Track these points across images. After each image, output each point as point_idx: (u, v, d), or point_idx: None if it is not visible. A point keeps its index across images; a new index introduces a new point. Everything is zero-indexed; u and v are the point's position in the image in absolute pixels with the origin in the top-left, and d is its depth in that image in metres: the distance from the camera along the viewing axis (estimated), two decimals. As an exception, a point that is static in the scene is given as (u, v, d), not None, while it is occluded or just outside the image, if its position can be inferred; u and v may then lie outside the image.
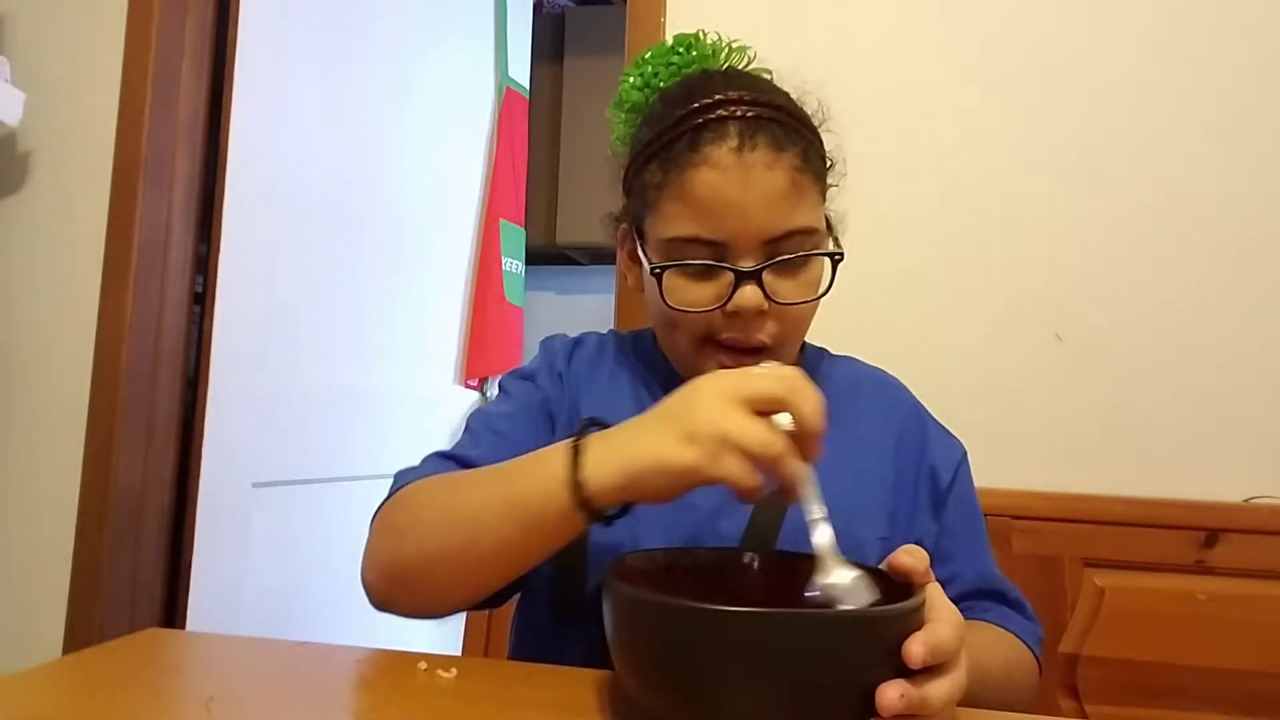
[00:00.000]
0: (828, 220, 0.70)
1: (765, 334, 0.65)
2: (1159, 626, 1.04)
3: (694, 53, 0.76)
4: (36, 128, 1.54)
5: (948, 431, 0.78)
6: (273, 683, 0.54)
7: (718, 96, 0.65)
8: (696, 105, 0.65)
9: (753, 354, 0.66)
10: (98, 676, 0.53)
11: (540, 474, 0.53)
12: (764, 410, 0.49)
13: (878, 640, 0.42)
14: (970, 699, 0.48)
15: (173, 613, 1.53)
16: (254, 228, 1.59)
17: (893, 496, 0.71)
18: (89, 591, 1.43)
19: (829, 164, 0.70)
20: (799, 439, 0.49)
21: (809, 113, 0.69)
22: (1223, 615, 1.03)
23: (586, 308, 2.84)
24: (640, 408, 0.72)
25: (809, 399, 0.48)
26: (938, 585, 0.49)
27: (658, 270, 0.65)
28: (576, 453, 0.52)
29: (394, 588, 0.62)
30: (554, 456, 0.53)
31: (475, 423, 0.73)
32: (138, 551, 1.48)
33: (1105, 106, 1.21)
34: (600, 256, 2.75)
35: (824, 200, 0.69)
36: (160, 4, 1.51)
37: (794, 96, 0.70)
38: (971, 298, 1.22)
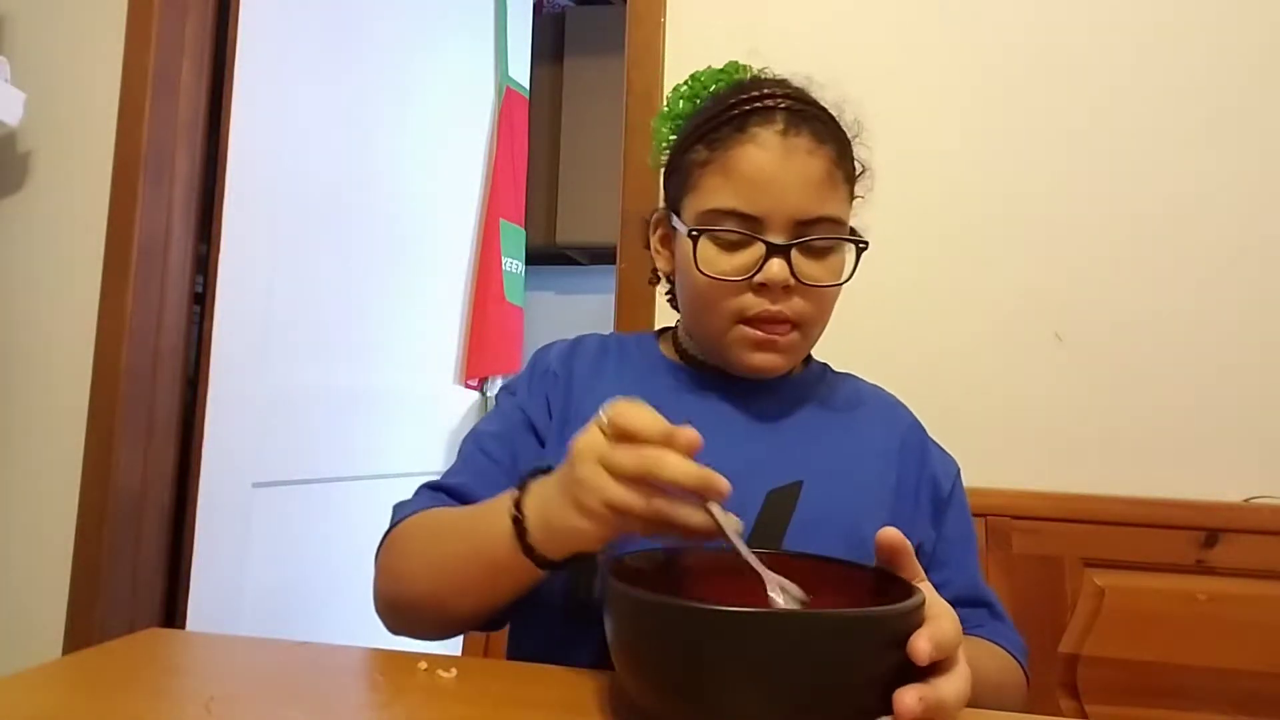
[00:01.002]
0: (852, 228, 0.73)
1: (792, 310, 0.68)
2: (1159, 626, 1.04)
3: (739, 75, 0.79)
4: (36, 128, 1.54)
5: (942, 447, 0.80)
6: (273, 683, 0.54)
7: (766, 90, 0.70)
8: (745, 95, 0.70)
9: (779, 328, 0.69)
10: (98, 676, 0.53)
11: (498, 534, 0.57)
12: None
13: (879, 639, 0.42)
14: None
15: (173, 613, 1.53)
16: (254, 228, 1.59)
17: (894, 499, 0.72)
18: (89, 591, 1.43)
19: (859, 172, 0.74)
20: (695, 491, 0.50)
21: (845, 124, 0.73)
22: (1223, 615, 1.03)
23: (586, 308, 2.84)
24: (646, 399, 0.72)
25: (667, 465, 0.49)
26: (930, 586, 0.49)
27: (694, 233, 0.68)
28: (519, 521, 0.55)
29: (397, 621, 0.67)
30: (505, 519, 0.56)
31: (467, 445, 0.76)
32: (138, 551, 1.48)
33: (1106, 107, 1.21)
34: (600, 256, 2.75)
35: (851, 205, 0.73)
36: (160, 4, 1.51)
37: (833, 107, 0.74)
38: (971, 298, 1.22)
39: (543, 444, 0.74)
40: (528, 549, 0.55)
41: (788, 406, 0.75)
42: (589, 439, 0.53)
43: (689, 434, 0.51)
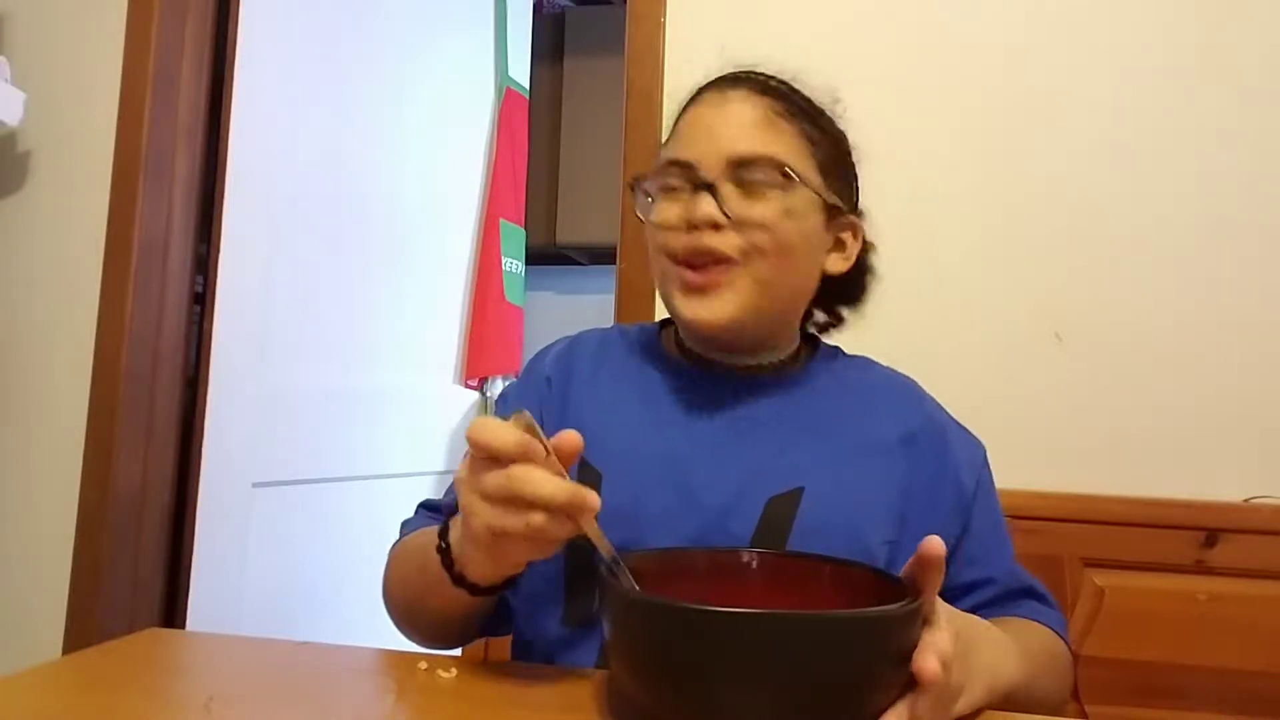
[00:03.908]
0: (839, 192, 0.72)
1: (726, 245, 0.65)
2: (1159, 626, 1.04)
3: None
4: (36, 128, 1.54)
5: (966, 431, 0.76)
6: (273, 683, 0.54)
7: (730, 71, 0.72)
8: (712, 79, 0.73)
9: (711, 270, 0.66)
10: (98, 676, 0.53)
11: (433, 559, 0.57)
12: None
13: (877, 640, 0.42)
14: (1022, 695, 0.52)
15: (173, 613, 1.53)
16: (254, 228, 1.59)
17: (903, 499, 0.69)
18: (89, 591, 1.43)
19: (832, 136, 0.72)
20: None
21: (807, 92, 0.74)
22: (1223, 615, 1.03)
23: (586, 308, 2.84)
24: (645, 400, 0.72)
25: (531, 483, 0.47)
26: (940, 603, 0.48)
27: (630, 184, 0.72)
28: (448, 555, 0.56)
29: (401, 631, 0.71)
30: (435, 554, 0.57)
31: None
32: (138, 551, 1.48)
33: (1106, 106, 1.21)
34: (600, 256, 2.75)
35: (816, 162, 0.70)
36: (160, 4, 1.51)
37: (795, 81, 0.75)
38: (971, 298, 1.22)
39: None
40: (457, 578, 0.55)
41: (791, 403, 0.72)
42: (462, 465, 0.51)
43: (565, 440, 0.49)
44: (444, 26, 2.02)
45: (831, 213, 0.71)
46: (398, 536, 0.74)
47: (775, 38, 1.29)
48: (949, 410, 0.78)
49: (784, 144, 0.68)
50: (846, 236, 0.74)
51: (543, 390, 0.75)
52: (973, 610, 0.61)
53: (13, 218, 1.55)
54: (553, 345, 0.80)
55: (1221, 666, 1.02)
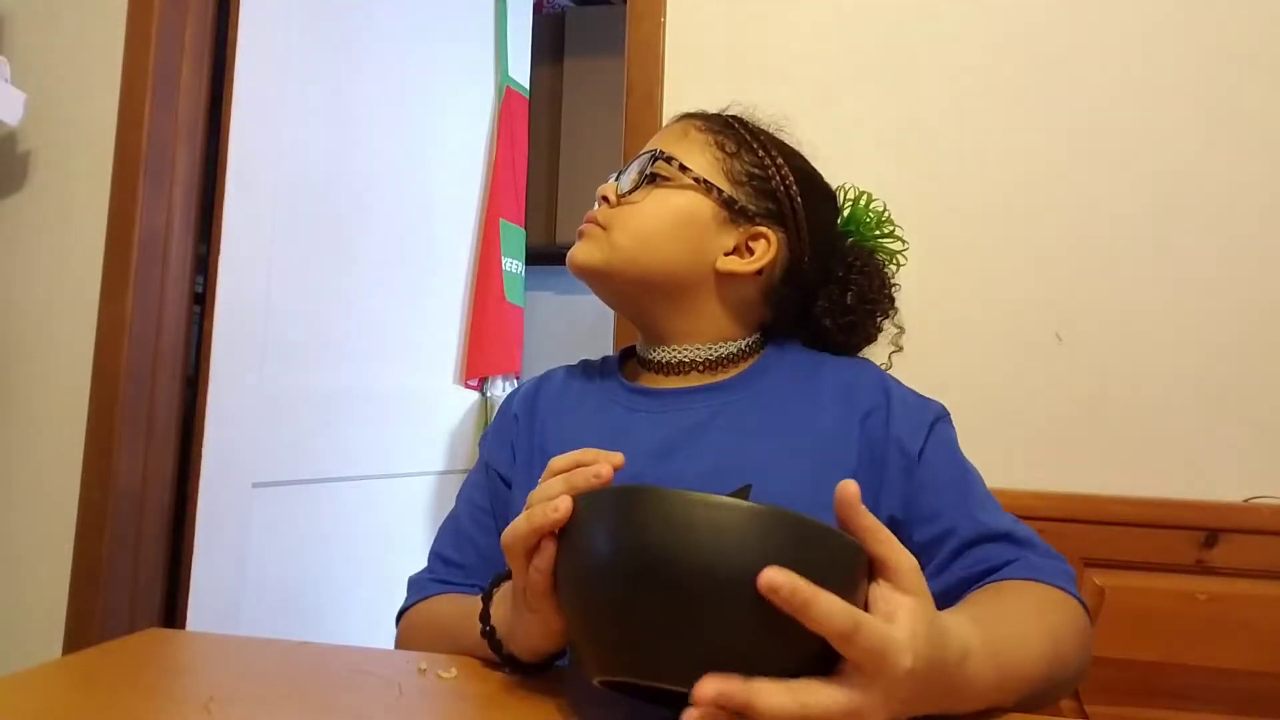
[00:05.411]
0: (753, 203, 0.76)
1: (602, 214, 0.77)
2: (1159, 626, 1.04)
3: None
4: (36, 128, 1.54)
5: (919, 397, 0.75)
6: (273, 683, 0.54)
7: None
8: None
9: (589, 226, 0.78)
10: (98, 676, 0.53)
11: (480, 643, 0.57)
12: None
13: (768, 539, 0.41)
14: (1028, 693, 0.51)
15: (173, 613, 1.53)
16: (254, 228, 1.59)
17: (859, 478, 0.68)
18: (89, 591, 1.43)
19: (757, 155, 0.77)
20: None
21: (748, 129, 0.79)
22: (1223, 615, 1.03)
23: (586, 308, 2.83)
24: (603, 426, 0.75)
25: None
26: (924, 596, 0.45)
27: None
28: (494, 636, 0.56)
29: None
30: (479, 634, 0.57)
31: (460, 498, 0.81)
32: (138, 551, 1.48)
33: (1106, 106, 1.21)
34: (600, 256, 2.74)
35: (724, 169, 0.76)
36: (160, 4, 1.51)
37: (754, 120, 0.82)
38: (971, 298, 1.22)
39: (510, 487, 0.77)
40: (507, 659, 0.55)
41: (740, 404, 0.73)
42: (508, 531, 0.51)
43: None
44: (444, 26, 2.02)
45: (733, 215, 0.74)
46: (406, 594, 0.75)
47: (775, 37, 1.29)
48: (950, 409, 0.78)
49: (685, 147, 0.76)
50: (759, 245, 0.74)
51: (511, 427, 0.80)
52: (935, 569, 0.64)
53: (13, 218, 1.55)
54: (523, 384, 0.86)
55: (1222, 666, 1.01)
